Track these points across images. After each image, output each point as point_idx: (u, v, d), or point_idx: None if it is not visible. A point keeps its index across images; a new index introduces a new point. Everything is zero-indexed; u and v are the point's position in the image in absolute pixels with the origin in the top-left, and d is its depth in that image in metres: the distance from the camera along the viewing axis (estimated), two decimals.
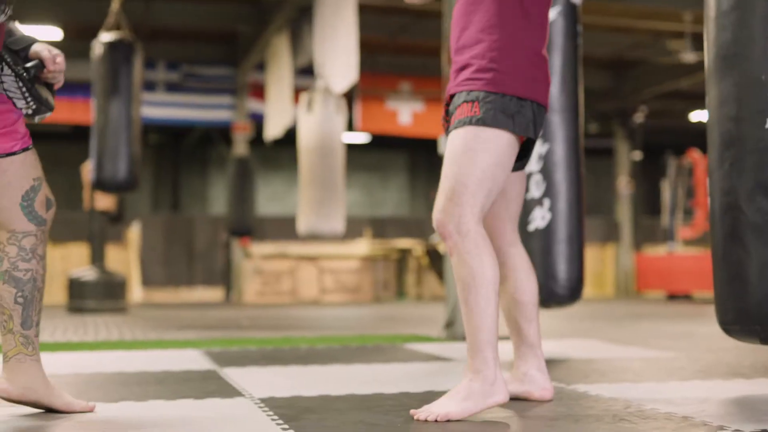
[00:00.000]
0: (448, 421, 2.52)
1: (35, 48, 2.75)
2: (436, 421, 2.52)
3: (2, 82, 2.72)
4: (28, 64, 2.73)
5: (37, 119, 2.82)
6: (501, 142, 2.65)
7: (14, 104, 2.74)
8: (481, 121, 2.64)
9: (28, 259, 2.70)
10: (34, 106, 2.76)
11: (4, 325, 2.70)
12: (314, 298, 14.03)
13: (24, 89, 2.72)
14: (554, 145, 4.48)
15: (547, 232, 4.46)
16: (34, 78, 2.75)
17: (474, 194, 2.63)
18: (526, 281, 2.92)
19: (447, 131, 2.83)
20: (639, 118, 16.65)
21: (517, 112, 2.66)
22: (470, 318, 2.60)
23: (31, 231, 2.71)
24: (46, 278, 2.77)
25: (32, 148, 2.73)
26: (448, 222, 2.64)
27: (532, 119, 2.70)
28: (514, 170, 2.88)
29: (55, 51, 2.77)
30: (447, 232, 2.64)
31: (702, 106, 14.25)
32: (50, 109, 2.83)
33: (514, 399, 2.93)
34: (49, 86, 2.85)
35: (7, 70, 2.72)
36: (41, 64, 2.75)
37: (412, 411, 2.62)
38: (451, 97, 2.79)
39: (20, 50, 2.74)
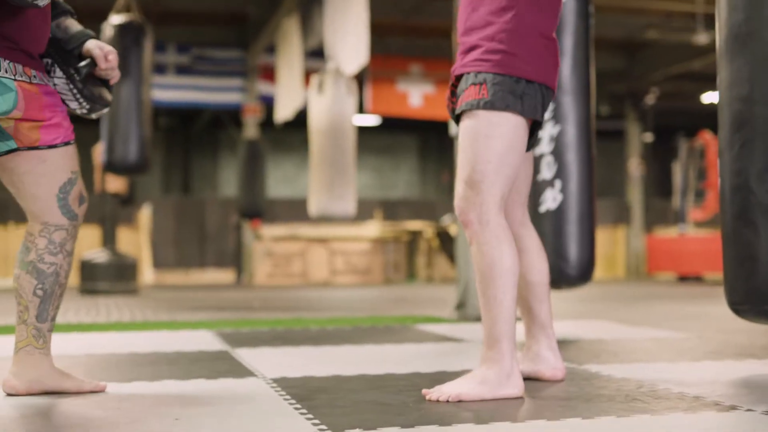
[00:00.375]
0: (460, 402, 2.52)
1: (87, 46, 2.76)
2: (447, 401, 2.52)
3: (54, 84, 2.74)
4: (80, 64, 2.74)
5: (94, 116, 2.84)
6: (512, 125, 2.63)
7: (67, 105, 2.76)
8: (490, 104, 2.62)
9: (55, 253, 2.71)
10: (87, 107, 2.78)
11: (20, 315, 2.72)
12: (325, 280, 14.05)
13: (75, 90, 2.73)
14: (566, 126, 4.47)
15: (559, 213, 4.45)
16: (86, 77, 2.76)
17: (493, 182, 2.61)
18: (537, 262, 2.92)
19: (452, 112, 2.82)
20: (650, 99, 16.60)
21: (525, 93, 2.64)
22: (488, 309, 2.60)
23: (63, 225, 2.72)
24: (70, 274, 2.78)
25: (73, 143, 2.73)
26: (470, 211, 2.63)
27: (540, 101, 2.68)
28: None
29: (108, 48, 2.78)
30: (468, 220, 2.63)
31: (714, 88, 14.20)
32: (105, 105, 2.84)
33: (526, 379, 2.93)
34: (104, 82, 2.85)
35: (58, 72, 2.73)
36: (93, 63, 2.76)
37: (424, 391, 2.63)
38: (457, 78, 2.78)
39: (73, 49, 2.75)
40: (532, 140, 2.83)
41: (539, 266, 2.93)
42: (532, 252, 2.92)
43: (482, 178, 2.61)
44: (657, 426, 2.16)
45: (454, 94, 2.81)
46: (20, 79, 2.58)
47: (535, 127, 2.78)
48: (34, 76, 2.63)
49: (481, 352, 2.64)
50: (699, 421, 2.23)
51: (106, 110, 2.86)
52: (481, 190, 2.61)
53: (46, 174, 2.68)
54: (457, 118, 2.75)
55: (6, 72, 2.54)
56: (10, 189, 2.73)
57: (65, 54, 2.74)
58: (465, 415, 2.32)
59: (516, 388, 2.58)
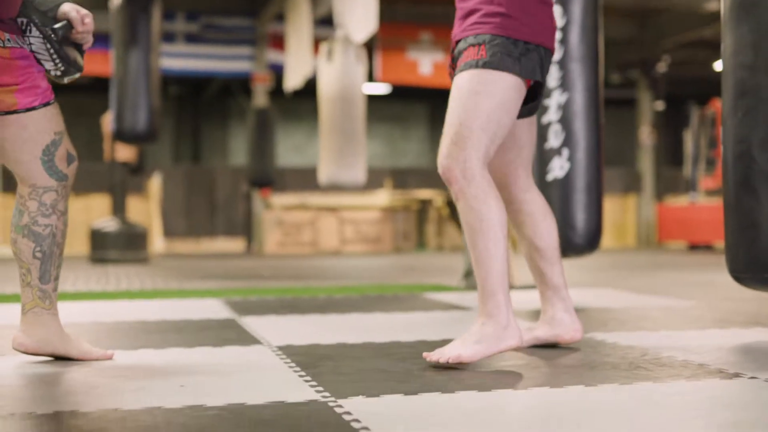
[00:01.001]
0: (460, 363, 2.53)
1: (63, 8, 2.73)
2: (447, 362, 2.53)
3: (30, 44, 2.71)
4: (56, 25, 2.72)
5: (66, 80, 2.81)
6: (505, 85, 2.62)
7: (42, 66, 2.74)
8: (488, 64, 2.61)
9: (48, 215, 2.71)
10: (62, 68, 2.75)
11: (23, 278, 2.73)
12: (335, 249, 14.07)
13: (52, 51, 2.71)
14: (573, 94, 4.45)
15: (566, 181, 4.45)
16: (63, 39, 2.74)
17: (479, 138, 2.60)
18: (543, 225, 2.90)
19: (453, 75, 2.79)
20: (662, 67, 16.49)
21: (523, 55, 2.64)
22: (480, 263, 2.60)
23: (52, 186, 2.71)
24: (66, 233, 2.78)
25: (54, 102, 2.72)
26: (454, 167, 2.61)
27: (539, 63, 2.68)
28: (524, 116, 2.85)
29: (84, 11, 2.75)
30: (453, 177, 2.62)
31: None
32: (79, 70, 2.82)
33: (544, 346, 2.95)
34: (78, 47, 2.84)
35: (35, 32, 2.71)
36: (69, 25, 2.74)
37: (424, 353, 2.63)
38: (457, 43, 2.77)
39: (48, 11, 2.73)
40: (535, 104, 2.81)
41: (546, 230, 2.90)
42: (536, 215, 2.90)
43: (469, 134, 2.60)
44: (659, 393, 2.16)
45: (454, 61, 2.80)
46: None
47: (536, 89, 2.77)
48: (8, 40, 2.60)
49: (478, 308, 2.64)
50: (701, 388, 2.23)
51: (78, 75, 2.84)
52: (466, 146, 2.60)
53: (28, 139, 2.66)
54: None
55: None
56: None
57: (41, 15, 2.72)
58: (468, 382, 2.33)
59: (514, 338, 2.58)
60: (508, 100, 2.63)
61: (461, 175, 2.60)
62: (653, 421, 1.86)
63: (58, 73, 2.76)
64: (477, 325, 2.60)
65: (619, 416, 1.91)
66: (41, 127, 2.67)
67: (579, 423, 1.85)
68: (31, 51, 2.70)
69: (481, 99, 2.61)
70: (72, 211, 13.62)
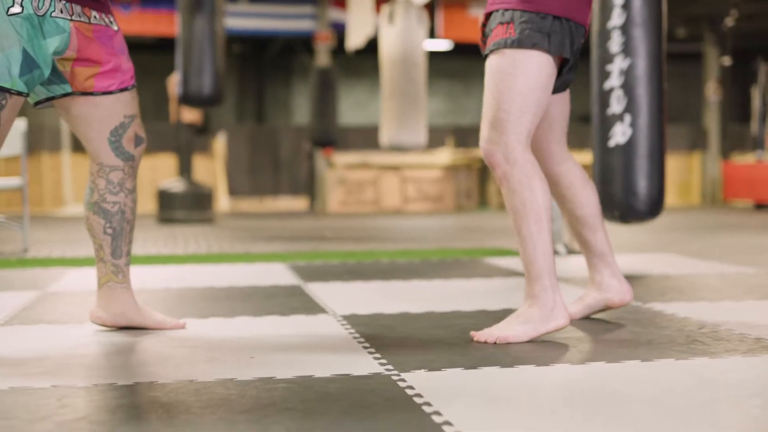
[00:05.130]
0: (508, 343, 2.59)
1: None
2: (495, 343, 2.59)
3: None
4: None
5: None
6: (538, 63, 2.64)
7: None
8: (517, 42, 2.63)
9: (116, 192, 2.82)
10: None
11: (97, 253, 2.86)
12: (397, 208, 14.15)
13: None
14: (636, 59, 4.45)
15: (628, 147, 4.46)
16: None
17: (517, 121, 2.63)
18: (581, 194, 2.92)
19: (484, 53, 2.81)
20: (729, 21, 16.18)
21: (552, 30, 2.64)
22: (525, 246, 2.64)
23: (119, 166, 2.82)
24: (136, 210, 2.89)
25: (132, 88, 2.81)
26: (496, 152, 2.65)
27: (569, 37, 2.68)
28: (557, 91, 2.85)
29: None
30: (495, 161, 2.66)
31: None
32: None
33: (591, 318, 3.00)
34: None
35: None
36: None
37: (472, 333, 2.70)
38: (487, 17, 2.79)
39: None
40: (567, 78, 2.82)
41: (585, 198, 2.93)
42: (576, 186, 2.92)
43: (507, 117, 2.63)
44: (714, 369, 2.21)
45: (485, 35, 2.81)
46: (77, 19, 2.62)
47: (566, 64, 2.77)
48: (95, 17, 2.69)
49: (525, 289, 2.69)
50: (757, 364, 2.27)
51: None
52: (506, 129, 2.63)
53: (98, 118, 2.76)
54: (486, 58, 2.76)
55: (61, 12, 2.58)
56: (69, 127, 2.84)
57: None
58: (526, 356, 2.40)
59: (561, 318, 2.63)
60: (542, 78, 2.65)
61: (504, 160, 2.64)
62: (707, 400, 1.91)
63: None
64: (524, 307, 2.66)
65: (674, 394, 1.96)
66: (113, 109, 2.77)
67: (634, 400, 1.91)
68: (117, 33, 2.77)
69: (514, 80, 2.63)
70: (139, 170, 13.86)
